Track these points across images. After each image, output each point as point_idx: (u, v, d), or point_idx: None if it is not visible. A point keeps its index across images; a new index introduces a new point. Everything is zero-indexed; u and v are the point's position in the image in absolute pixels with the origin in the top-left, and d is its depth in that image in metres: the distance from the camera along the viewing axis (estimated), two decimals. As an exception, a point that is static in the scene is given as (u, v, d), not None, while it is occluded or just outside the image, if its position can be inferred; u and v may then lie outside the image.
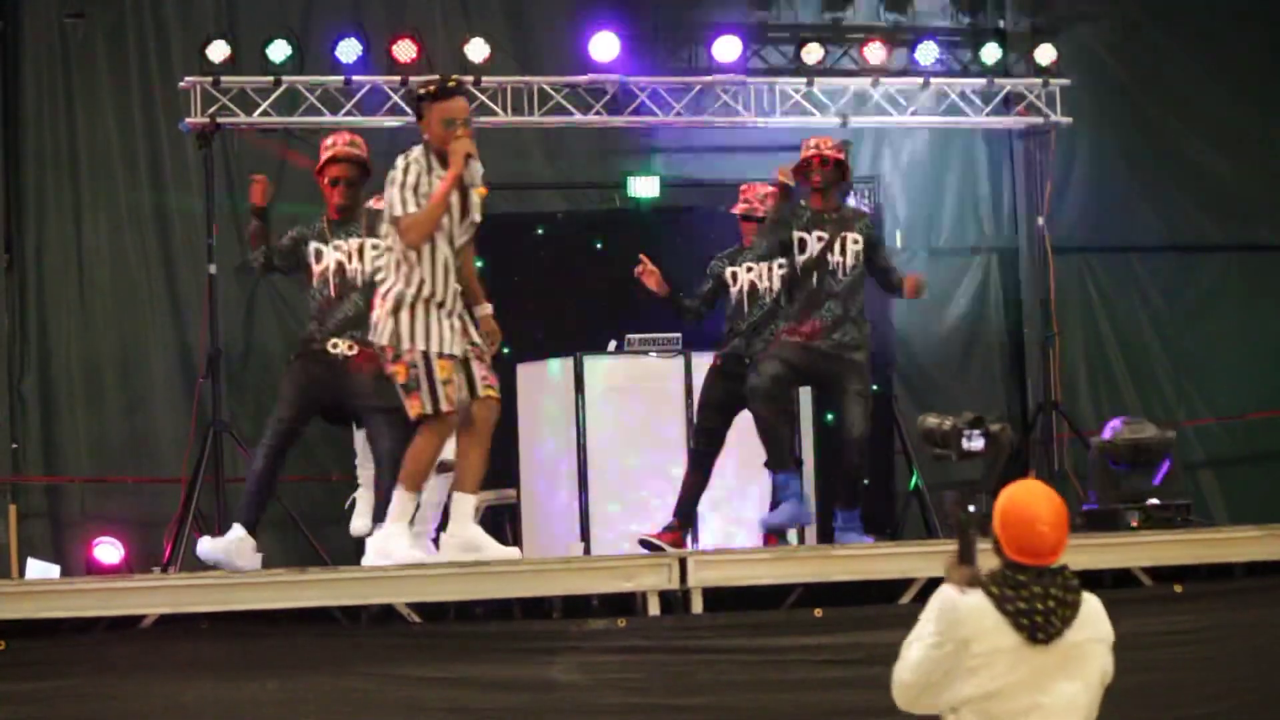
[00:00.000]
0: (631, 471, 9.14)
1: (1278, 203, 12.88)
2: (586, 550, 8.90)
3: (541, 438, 9.50)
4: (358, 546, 7.65)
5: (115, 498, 11.18)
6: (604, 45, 10.90)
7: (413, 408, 6.73)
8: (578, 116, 10.95)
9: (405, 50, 10.67)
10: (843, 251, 7.97)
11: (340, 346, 7.42)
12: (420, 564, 6.80)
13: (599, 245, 11.14)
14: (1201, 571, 7.29)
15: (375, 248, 7.31)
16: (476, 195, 6.87)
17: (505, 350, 10.73)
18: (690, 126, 11.11)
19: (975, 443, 8.62)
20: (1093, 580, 7.00)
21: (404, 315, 6.68)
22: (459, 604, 6.79)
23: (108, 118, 11.43)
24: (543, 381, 9.52)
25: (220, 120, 10.46)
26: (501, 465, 10.02)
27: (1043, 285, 11.93)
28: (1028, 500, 4.36)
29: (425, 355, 6.67)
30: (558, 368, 9.41)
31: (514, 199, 11.97)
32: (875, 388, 11.39)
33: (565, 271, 11.12)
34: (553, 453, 9.39)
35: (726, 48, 11.08)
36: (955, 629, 4.28)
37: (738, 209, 8.79)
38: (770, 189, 8.34)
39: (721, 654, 6.72)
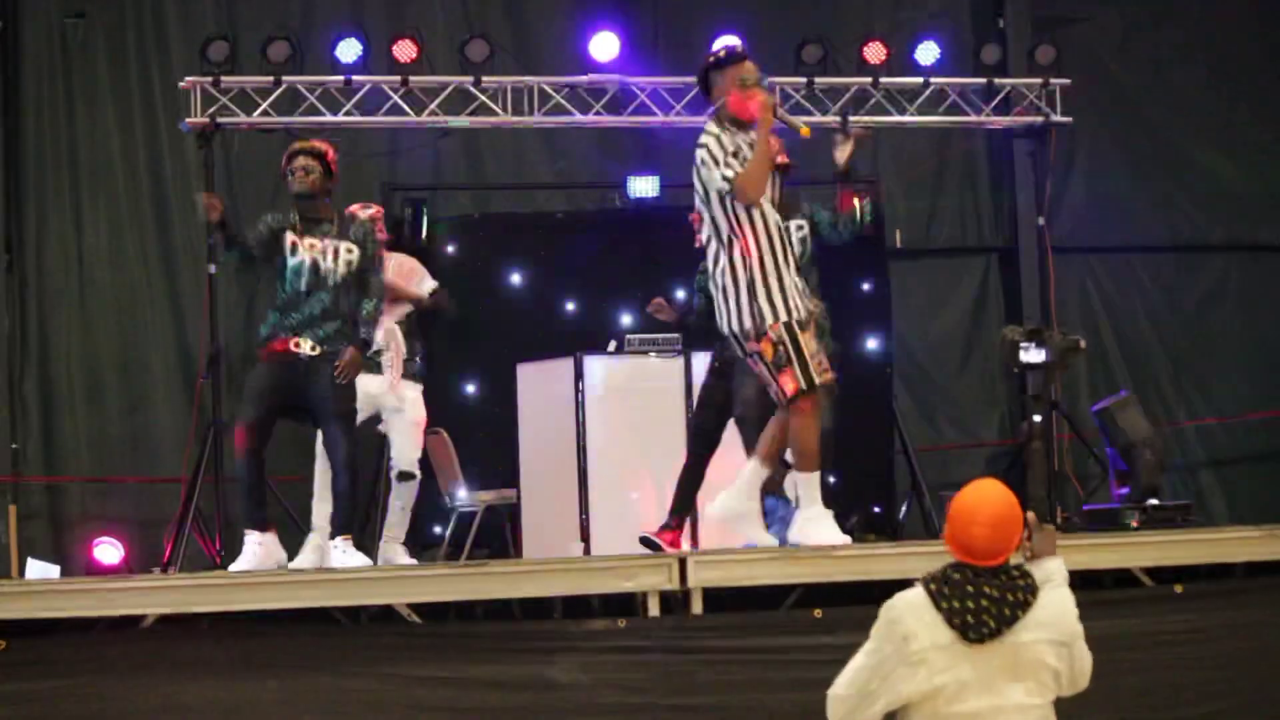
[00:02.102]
0: (631, 471, 9.14)
1: (1278, 203, 12.89)
2: (586, 550, 8.90)
3: (541, 438, 9.50)
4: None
5: (115, 498, 11.19)
6: (604, 45, 10.89)
7: (786, 385, 6.78)
8: (578, 116, 10.95)
9: (405, 50, 10.67)
10: (790, 239, 7.91)
11: (304, 346, 7.32)
12: (421, 564, 6.80)
13: (598, 245, 11.14)
14: (1201, 571, 7.29)
15: (349, 251, 7.32)
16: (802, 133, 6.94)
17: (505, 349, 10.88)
18: (690, 126, 11.08)
19: (1033, 354, 8.44)
20: (1093, 580, 7.03)
21: (760, 290, 6.75)
22: (459, 604, 6.78)
23: (108, 118, 11.44)
24: (543, 381, 9.52)
25: (220, 120, 10.45)
26: (502, 465, 10.04)
27: (1043, 285, 11.92)
28: (972, 500, 4.32)
29: (789, 326, 6.75)
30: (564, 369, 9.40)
31: (514, 199, 11.99)
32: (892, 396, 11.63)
33: (565, 271, 11.12)
34: (553, 453, 9.39)
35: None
36: (894, 626, 4.28)
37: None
38: None
39: (721, 654, 6.72)
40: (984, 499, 4.31)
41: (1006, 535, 4.28)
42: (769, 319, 6.76)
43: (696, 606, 6.77)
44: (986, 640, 4.20)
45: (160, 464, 11.11)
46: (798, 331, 6.79)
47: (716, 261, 6.88)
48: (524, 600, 6.84)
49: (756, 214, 6.82)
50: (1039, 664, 4.26)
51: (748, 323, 6.77)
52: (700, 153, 6.82)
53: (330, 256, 7.37)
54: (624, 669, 6.64)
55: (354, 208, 7.91)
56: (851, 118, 11.19)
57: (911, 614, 4.26)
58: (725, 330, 6.95)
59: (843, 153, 7.65)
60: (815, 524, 6.97)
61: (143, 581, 7.03)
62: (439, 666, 6.55)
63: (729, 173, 6.73)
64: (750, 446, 7.94)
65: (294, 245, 7.38)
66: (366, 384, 7.98)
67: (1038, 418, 8.37)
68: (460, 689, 6.54)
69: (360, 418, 8.01)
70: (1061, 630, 4.31)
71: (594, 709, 6.58)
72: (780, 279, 6.81)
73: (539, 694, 6.58)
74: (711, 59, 7.00)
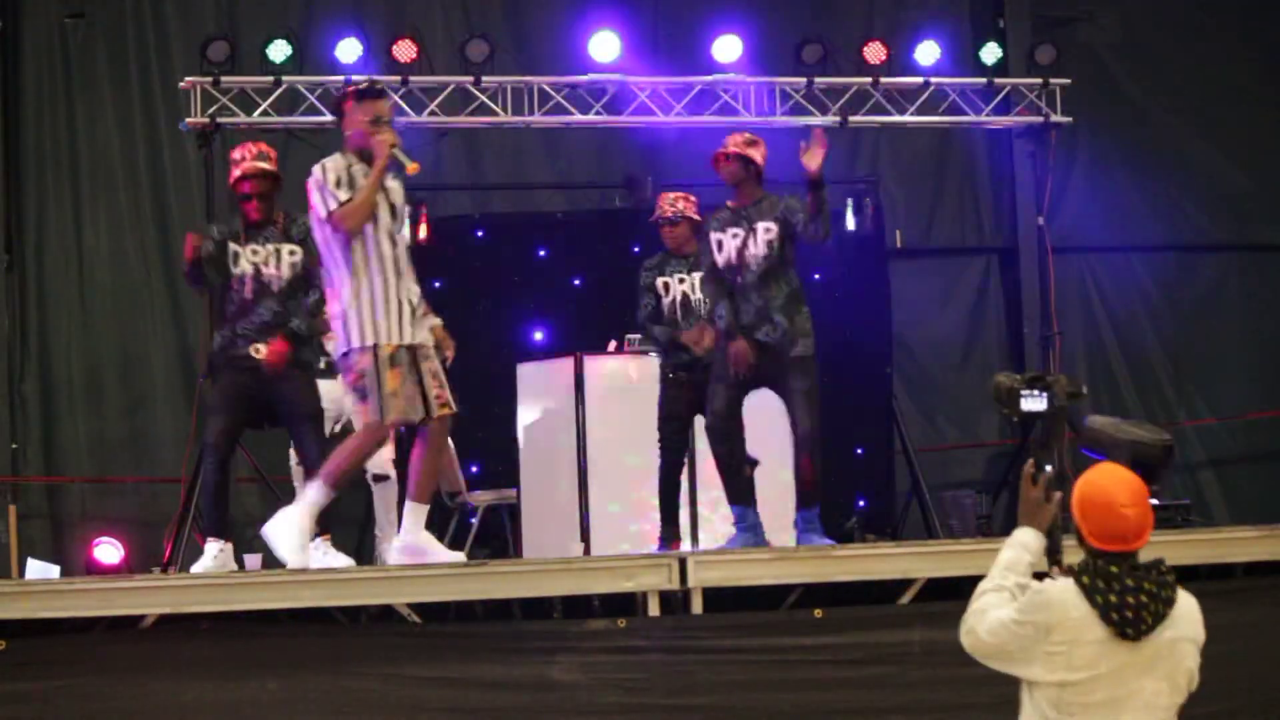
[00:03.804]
0: (631, 471, 9.12)
1: (1278, 203, 12.89)
2: (586, 550, 8.89)
3: (541, 438, 9.50)
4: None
5: (115, 498, 11.19)
6: (604, 45, 10.89)
7: (362, 414, 6.71)
8: (578, 116, 10.95)
9: (405, 50, 10.67)
10: (755, 244, 7.72)
11: (262, 351, 7.29)
12: (420, 564, 6.79)
13: (598, 245, 11.14)
14: (1201, 571, 7.28)
15: (292, 253, 7.30)
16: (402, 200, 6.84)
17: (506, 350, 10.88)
18: (690, 127, 11.10)
19: (1035, 402, 8.22)
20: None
21: (351, 317, 6.63)
22: (459, 604, 6.78)
23: (108, 118, 11.45)
24: (543, 381, 9.52)
25: (220, 120, 10.46)
26: (502, 465, 10.05)
27: (1043, 285, 11.92)
28: (1103, 483, 4.19)
29: (375, 354, 6.61)
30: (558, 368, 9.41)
31: (514, 199, 11.99)
32: (871, 385, 11.64)
33: (565, 271, 11.13)
34: (553, 453, 9.39)
35: (726, 48, 11.07)
36: (1038, 612, 4.12)
37: (654, 217, 8.61)
38: (681, 194, 8.32)
39: (721, 654, 6.72)
40: (1117, 480, 4.21)
41: (1147, 511, 4.19)
42: (355, 343, 6.66)
43: (696, 606, 6.76)
44: (1142, 637, 4.11)
45: (160, 464, 11.11)
46: (384, 364, 6.62)
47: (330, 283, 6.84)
48: (524, 600, 6.84)
49: (359, 242, 6.69)
50: (1177, 664, 4.18)
51: (343, 346, 6.71)
52: (309, 181, 6.74)
53: (273, 263, 7.32)
54: (624, 669, 6.63)
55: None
56: (852, 117, 11.21)
57: (1060, 607, 4.11)
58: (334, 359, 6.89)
59: (814, 159, 7.52)
60: (282, 535, 6.74)
61: (143, 581, 7.03)
62: (439, 666, 6.55)
63: (331, 205, 6.66)
64: (718, 456, 7.88)
65: (236, 255, 7.35)
66: (330, 390, 7.92)
67: (1049, 467, 8.09)
68: (460, 689, 6.54)
69: (331, 426, 8.00)
70: (1198, 630, 4.24)
71: (594, 709, 6.58)
72: (374, 308, 6.66)
73: (539, 694, 6.58)
74: (352, 89, 6.93)
